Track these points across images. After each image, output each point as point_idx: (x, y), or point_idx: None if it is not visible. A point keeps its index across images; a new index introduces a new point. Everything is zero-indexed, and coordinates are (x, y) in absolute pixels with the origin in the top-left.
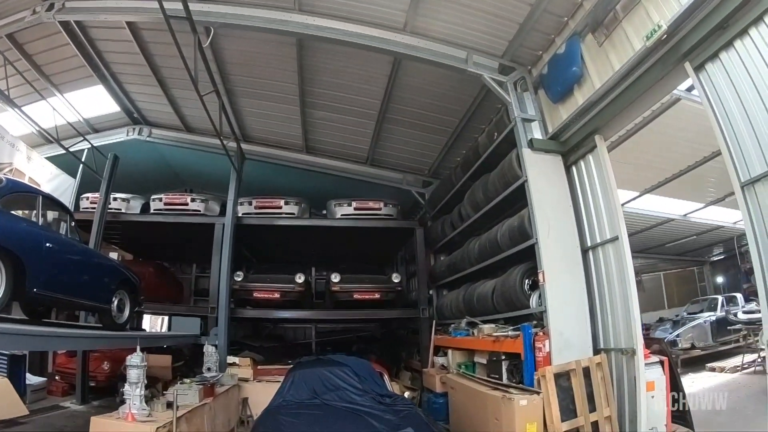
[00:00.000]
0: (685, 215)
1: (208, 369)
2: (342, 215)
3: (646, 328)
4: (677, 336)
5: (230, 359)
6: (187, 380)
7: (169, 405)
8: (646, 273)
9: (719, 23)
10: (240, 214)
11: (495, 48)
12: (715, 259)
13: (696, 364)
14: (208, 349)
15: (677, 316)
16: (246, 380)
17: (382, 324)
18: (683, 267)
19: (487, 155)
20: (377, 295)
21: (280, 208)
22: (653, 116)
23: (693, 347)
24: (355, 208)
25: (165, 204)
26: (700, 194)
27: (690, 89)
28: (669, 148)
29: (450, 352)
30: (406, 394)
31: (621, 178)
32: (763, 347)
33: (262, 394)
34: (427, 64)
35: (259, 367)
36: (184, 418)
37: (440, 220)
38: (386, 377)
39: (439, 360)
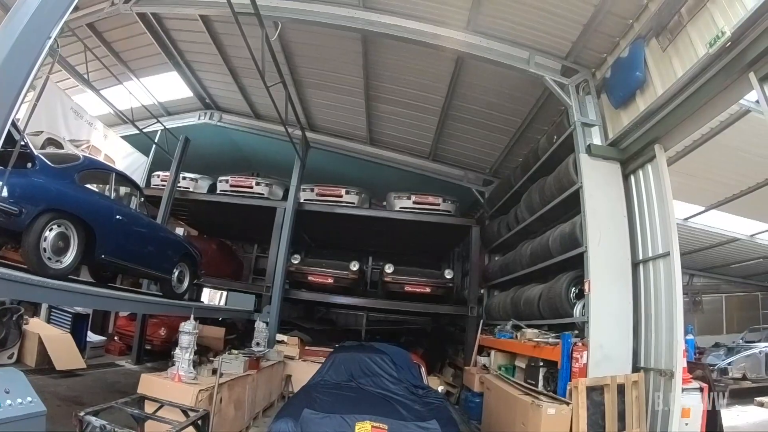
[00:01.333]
0: (752, 236)
1: (257, 344)
2: (401, 208)
3: (700, 351)
4: (729, 364)
5: (279, 337)
6: (235, 351)
7: (215, 372)
8: (707, 294)
9: None
10: (301, 200)
11: (558, 49)
12: None
13: (745, 396)
14: (259, 325)
15: (734, 342)
16: (292, 358)
17: (433, 318)
18: (747, 291)
19: (546, 158)
20: (428, 289)
21: (341, 196)
22: (722, 127)
23: (744, 378)
24: (414, 202)
25: (231, 185)
26: None
27: None
28: (737, 162)
29: (493, 352)
30: (440, 388)
31: (686, 191)
32: None
33: (306, 373)
34: (489, 63)
35: (306, 347)
36: (226, 386)
37: (497, 220)
38: (423, 370)
39: (482, 360)
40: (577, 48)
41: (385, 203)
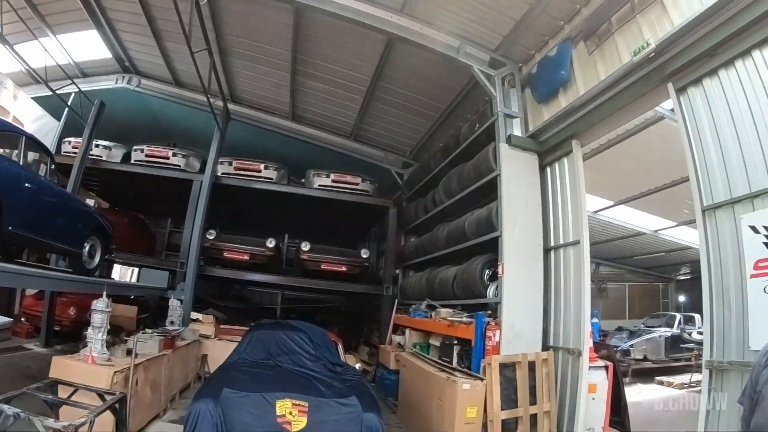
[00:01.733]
0: (656, 231)
1: (171, 322)
2: (319, 186)
3: (604, 334)
4: (631, 346)
5: (194, 315)
6: (149, 331)
7: (129, 352)
8: (612, 281)
9: (708, 50)
10: (219, 173)
11: (489, 41)
12: (681, 278)
13: (646, 375)
14: (173, 303)
15: (635, 327)
16: (207, 337)
17: (347, 298)
18: (649, 281)
19: (467, 145)
20: (344, 268)
21: (260, 171)
22: (637, 130)
23: (645, 359)
24: (333, 180)
25: (146, 155)
26: (673, 213)
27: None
28: (649, 163)
29: (408, 331)
30: (357, 366)
31: (598, 185)
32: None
33: (222, 352)
34: (420, 48)
35: (221, 326)
36: (141, 366)
37: (415, 202)
38: (340, 347)
39: (397, 338)
40: (507, 42)
41: (304, 180)
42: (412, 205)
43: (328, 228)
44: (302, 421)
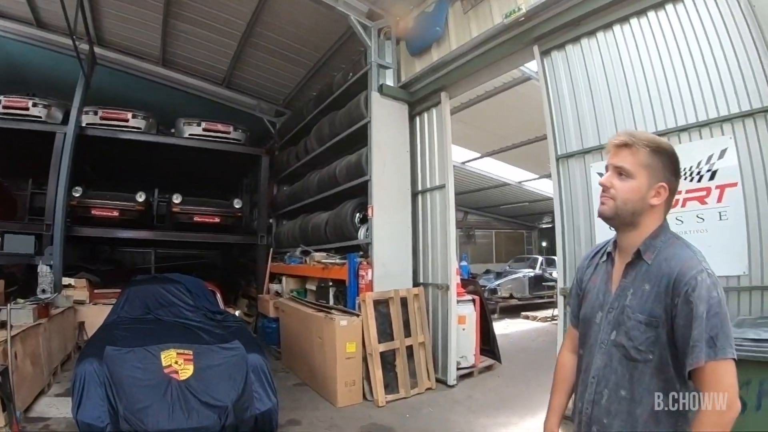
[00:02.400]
0: (519, 182)
1: (43, 291)
2: (190, 135)
3: (473, 276)
4: (498, 285)
5: (66, 281)
6: (21, 300)
7: (2, 325)
8: (480, 229)
9: (574, 20)
10: (84, 124)
11: None
12: (544, 226)
13: (513, 311)
14: (43, 269)
15: (502, 269)
16: (82, 303)
17: (223, 251)
18: (514, 229)
19: (339, 93)
20: (217, 219)
21: (127, 121)
22: (505, 88)
23: (511, 297)
24: (204, 129)
25: (3, 107)
26: (536, 166)
27: None
28: (514, 120)
29: (284, 279)
30: (237, 313)
31: (467, 138)
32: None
33: (99, 317)
34: None
35: (96, 290)
36: (18, 338)
37: (287, 150)
38: (218, 296)
39: (275, 287)
40: None
41: (174, 130)
42: (284, 154)
43: (200, 179)
44: (189, 369)
